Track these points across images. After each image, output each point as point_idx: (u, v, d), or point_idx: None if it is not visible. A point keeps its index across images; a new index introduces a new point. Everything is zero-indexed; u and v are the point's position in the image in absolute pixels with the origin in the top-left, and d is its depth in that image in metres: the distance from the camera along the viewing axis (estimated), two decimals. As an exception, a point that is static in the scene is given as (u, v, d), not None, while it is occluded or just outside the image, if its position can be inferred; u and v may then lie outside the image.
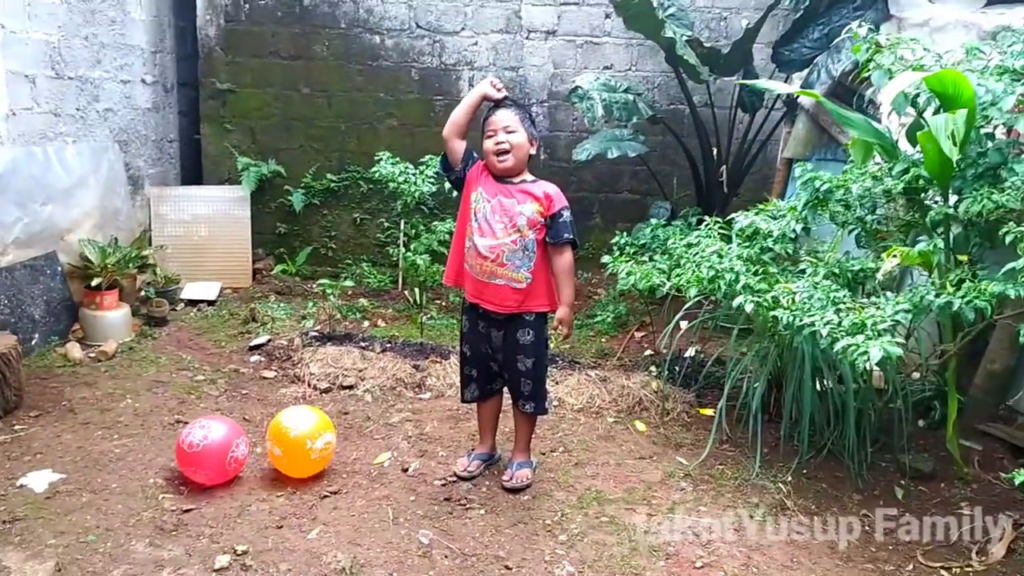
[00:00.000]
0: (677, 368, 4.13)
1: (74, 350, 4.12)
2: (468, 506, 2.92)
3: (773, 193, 5.65)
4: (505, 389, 3.15)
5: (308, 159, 5.72)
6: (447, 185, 4.50)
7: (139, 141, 5.35)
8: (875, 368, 3.17)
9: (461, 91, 5.60)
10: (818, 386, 3.25)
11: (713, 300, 3.62)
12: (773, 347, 3.40)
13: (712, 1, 5.38)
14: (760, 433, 3.28)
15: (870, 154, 3.14)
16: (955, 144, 2.31)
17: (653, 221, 4.30)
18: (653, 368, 4.18)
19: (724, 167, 4.99)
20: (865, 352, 2.34)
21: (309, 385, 3.99)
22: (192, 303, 5.19)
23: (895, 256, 2.52)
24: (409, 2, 5.47)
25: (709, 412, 3.79)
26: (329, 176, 5.70)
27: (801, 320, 2.70)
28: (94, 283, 4.30)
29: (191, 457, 2.88)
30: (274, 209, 5.80)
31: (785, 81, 4.97)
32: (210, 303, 5.23)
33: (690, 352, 4.34)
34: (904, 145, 3.15)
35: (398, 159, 4.49)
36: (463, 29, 5.51)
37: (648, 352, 4.54)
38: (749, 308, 2.91)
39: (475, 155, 2.97)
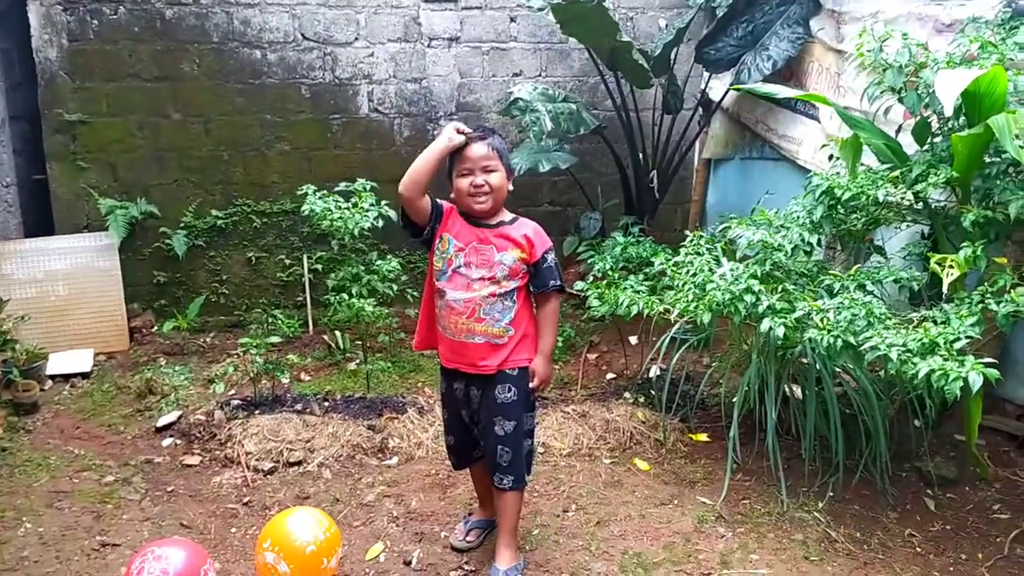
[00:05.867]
0: (651, 392, 3.87)
1: (-71, 466, 3.24)
2: (502, 599, 2.49)
3: (695, 194, 5.58)
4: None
5: (187, 195, 4.93)
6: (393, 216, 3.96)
7: (-31, 189, 4.39)
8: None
9: (360, 107, 5.05)
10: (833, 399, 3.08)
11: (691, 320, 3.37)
12: (757, 358, 3.19)
13: (617, 1, 5.17)
14: (777, 458, 3.07)
15: (860, 155, 3.01)
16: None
17: (617, 237, 4.00)
18: (627, 395, 3.89)
19: (655, 171, 4.79)
20: (959, 378, 2.15)
21: (248, 467, 3.35)
22: (63, 378, 4.32)
23: (952, 267, 2.37)
24: (292, 11, 4.84)
25: (703, 437, 3.56)
26: (215, 212, 4.95)
27: (847, 340, 2.49)
28: (-55, 376, 3.42)
29: (148, 600, 2.24)
30: (148, 256, 4.96)
31: (709, 80, 4.86)
32: (85, 375, 4.37)
33: (654, 371, 4.10)
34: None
35: (324, 192, 3.89)
36: (357, 39, 4.95)
37: (611, 376, 4.26)
38: (780, 332, 2.67)
39: (440, 204, 2.52)
